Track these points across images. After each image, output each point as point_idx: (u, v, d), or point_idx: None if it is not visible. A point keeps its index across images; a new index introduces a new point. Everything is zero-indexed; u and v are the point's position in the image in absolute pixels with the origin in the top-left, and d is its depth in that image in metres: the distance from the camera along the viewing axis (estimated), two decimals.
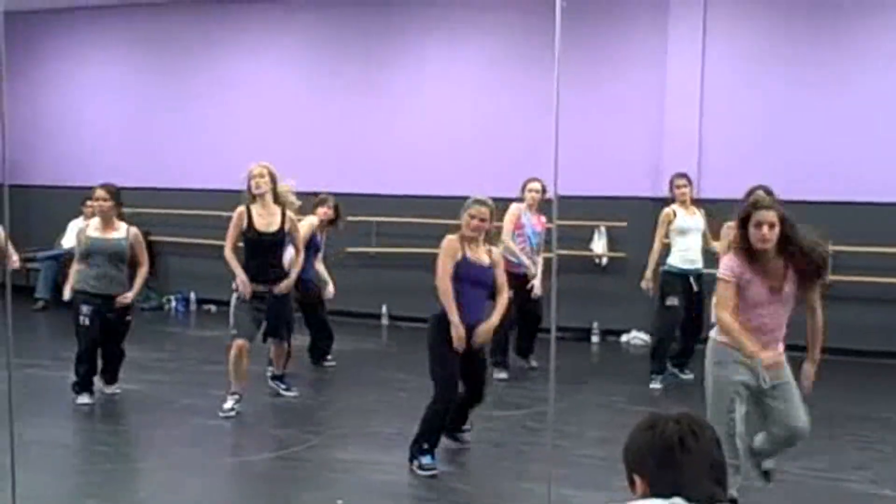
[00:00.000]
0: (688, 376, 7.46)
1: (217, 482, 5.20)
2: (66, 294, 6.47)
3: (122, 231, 6.43)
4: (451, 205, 9.41)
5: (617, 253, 9.50)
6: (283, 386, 6.86)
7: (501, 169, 9.29)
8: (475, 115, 9.99)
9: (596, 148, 9.31)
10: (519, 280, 7.25)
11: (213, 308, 10.77)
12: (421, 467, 5.07)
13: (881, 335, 8.54)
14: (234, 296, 6.30)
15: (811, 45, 8.84)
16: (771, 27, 9.02)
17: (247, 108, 10.91)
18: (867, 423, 6.34)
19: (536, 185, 7.51)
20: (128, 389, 6.82)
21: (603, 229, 9.51)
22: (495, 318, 5.22)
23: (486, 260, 5.22)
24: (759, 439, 4.38)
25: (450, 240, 5.20)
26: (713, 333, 4.39)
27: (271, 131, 10.55)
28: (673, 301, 7.17)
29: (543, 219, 7.60)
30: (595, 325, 9.54)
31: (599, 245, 9.53)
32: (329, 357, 7.94)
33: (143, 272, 6.51)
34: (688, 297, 7.24)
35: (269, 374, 7.10)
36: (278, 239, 6.35)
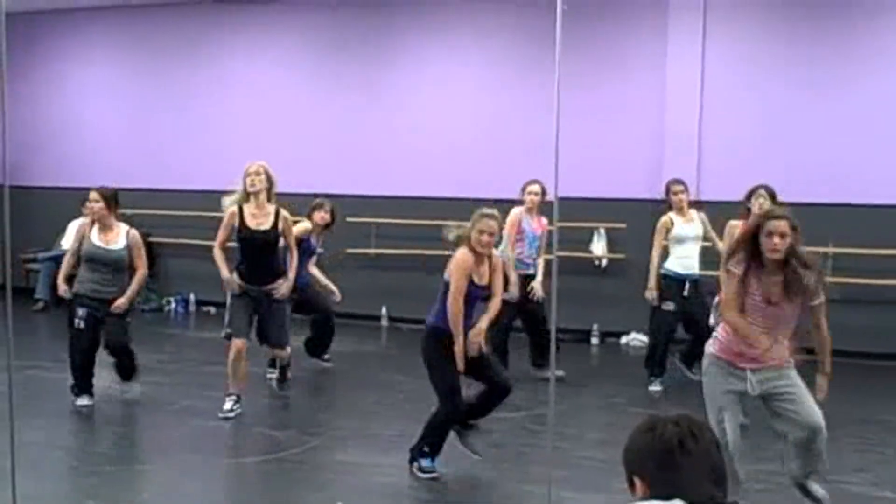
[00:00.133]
0: (695, 376, 7.44)
1: (217, 483, 5.21)
2: (61, 288, 6.44)
3: (122, 238, 6.39)
4: (451, 206, 9.48)
5: (616, 255, 9.49)
6: (277, 375, 7.06)
7: (501, 170, 9.29)
8: (475, 117, 9.99)
9: (596, 150, 9.31)
10: (519, 280, 7.25)
11: (212, 309, 10.76)
12: (421, 470, 5.07)
13: (882, 337, 8.54)
14: (230, 293, 6.31)
15: (811, 47, 8.84)
16: (770, 29, 9.03)
17: (246, 109, 10.91)
18: (867, 425, 6.34)
19: (536, 188, 7.47)
20: (126, 390, 6.82)
21: (602, 231, 9.51)
22: (484, 322, 5.11)
23: (486, 279, 5.08)
24: (792, 465, 4.35)
25: (465, 255, 4.98)
26: (708, 345, 4.40)
27: (271, 133, 10.56)
28: (669, 305, 7.17)
29: (545, 221, 7.57)
30: (595, 326, 9.54)
31: (599, 247, 9.53)
32: (327, 356, 7.91)
33: (139, 277, 6.45)
34: (684, 302, 7.23)
35: (268, 375, 7.10)
36: (270, 238, 6.31)
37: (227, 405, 6.24)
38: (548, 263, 7.29)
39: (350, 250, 10.09)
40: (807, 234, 4.19)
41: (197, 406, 6.51)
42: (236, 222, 6.24)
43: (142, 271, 6.47)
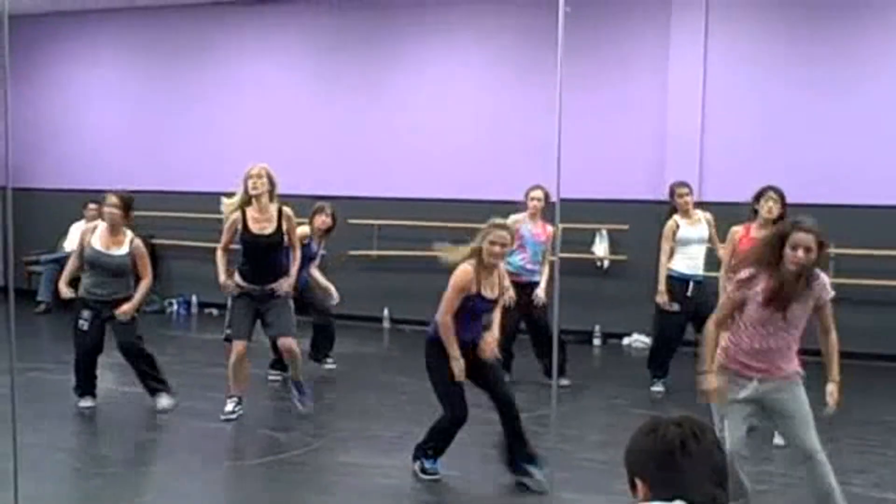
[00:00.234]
0: None
1: (218, 485, 5.21)
2: (63, 290, 6.44)
3: (125, 246, 6.37)
4: (453, 208, 9.51)
5: (618, 256, 9.49)
6: (297, 395, 6.43)
7: (503, 172, 9.30)
8: (477, 119, 10.00)
9: (598, 151, 9.32)
10: (523, 288, 7.21)
11: (214, 311, 10.76)
12: (423, 471, 5.07)
13: (883, 338, 8.53)
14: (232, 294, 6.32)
15: (812, 49, 8.84)
16: (772, 31, 9.03)
17: (249, 111, 10.93)
18: (869, 426, 6.33)
19: (539, 194, 7.39)
20: (128, 392, 6.81)
21: (604, 232, 9.51)
22: (497, 332, 5.09)
23: (496, 292, 5.01)
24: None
25: (464, 272, 4.84)
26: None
27: (274, 135, 10.57)
28: (673, 306, 7.16)
29: (549, 228, 7.43)
30: (597, 328, 9.54)
31: (601, 248, 9.53)
32: (330, 358, 7.93)
33: (143, 285, 6.41)
34: (688, 302, 7.21)
35: (269, 376, 7.08)
36: (274, 241, 6.28)
37: (229, 407, 6.24)
38: (551, 265, 7.27)
39: (352, 252, 10.10)
40: None
41: (198, 408, 6.50)
42: (239, 227, 6.24)
43: (146, 280, 6.42)
